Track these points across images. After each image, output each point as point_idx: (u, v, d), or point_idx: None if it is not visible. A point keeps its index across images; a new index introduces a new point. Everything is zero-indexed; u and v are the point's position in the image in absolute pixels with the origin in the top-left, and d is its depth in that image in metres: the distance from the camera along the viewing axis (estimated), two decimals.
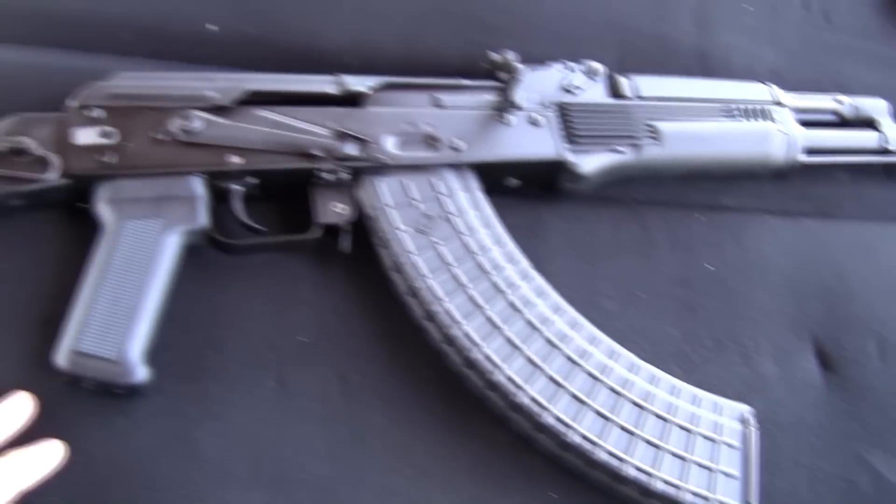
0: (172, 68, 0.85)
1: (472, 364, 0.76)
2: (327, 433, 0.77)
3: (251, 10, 0.93)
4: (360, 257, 0.82)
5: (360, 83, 0.85)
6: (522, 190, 0.88)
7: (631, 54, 1.01)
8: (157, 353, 0.74)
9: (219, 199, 0.80)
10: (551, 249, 0.88)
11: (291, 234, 0.83)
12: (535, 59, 0.89)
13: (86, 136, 0.80)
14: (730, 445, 0.76)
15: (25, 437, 0.69)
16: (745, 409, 0.79)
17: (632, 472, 0.74)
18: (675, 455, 0.74)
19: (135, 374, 0.72)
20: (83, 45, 0.91)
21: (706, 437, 0.76)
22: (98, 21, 0.92)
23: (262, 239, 0.81)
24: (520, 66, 0.86)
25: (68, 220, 0.81)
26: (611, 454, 0.74)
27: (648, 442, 0.75)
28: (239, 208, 0.81)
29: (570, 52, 0.94)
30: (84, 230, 0.78)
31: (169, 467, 0.73)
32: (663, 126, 0.91)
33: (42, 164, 0.78)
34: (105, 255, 0.76)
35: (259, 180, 0.81)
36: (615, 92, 0.92)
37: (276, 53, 0.93)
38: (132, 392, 0.73)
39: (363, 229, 0.82)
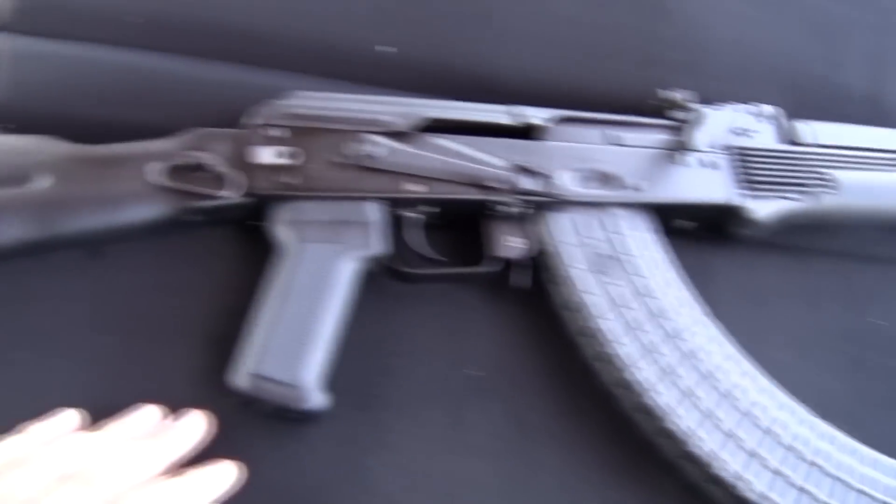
0: (345, 89, 0.84)
1: (643, 409, 0.75)
2: (499, 469, 0.76)
3: (426, 33, 0.92)
4: (534, 293, 0.82)
5: (537, 116, 0.84)
6: (693, 232, 0.86)
7: (800, 98, 0.98)
8: (332, 380, 0.74)
9: (395, 226, 0.79)
10: (719, 294, 0.85)
11: (464, 264, 0.82)
12: (704, 98, 0.88)
13: (265, 155, 0.80)
14: None
15: (201, 458, 0.70)
16: None
17: None
18: None
19: (312, 399, 0.72)
20: (256, 61, 0.91)
21: None
22: (272, 38, 0.92)
23: (439, 269, 0.81)
24: (699, 106, 0.84)
25: (240, 238, 0.82)
26: None
27: (816, 498, 0.73)
28: (415, 237, 0.81)
29: (739, 93, 0.92)
30: (255, 248, 0.79)
31: (341, 495, 0.73)
32: (841, 175, 0.88)
33: (221, 180, 0.77)
34: (284, 278, 0.76)
35: (436, 209, 0.80)
36: (791, 137, 0.90)
37: (446, 80, 0.91)
38: (307, 417, 0.72)
39: (535, 264, 0.80)
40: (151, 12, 0.90)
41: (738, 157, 0.87)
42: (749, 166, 0.87)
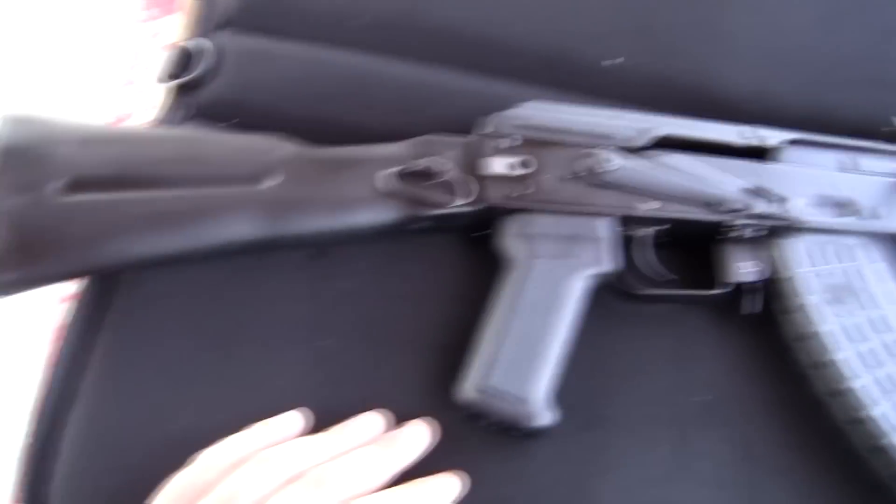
0: (570, 99, 0.84)
1: (878, 451, 0.71)
2: (726, 499, 0.74)
3: (654, 46, 0.91)
4: (763, 319, 0.80)
5: (773, 137, 0.82)
6: None
7: None
8: (560, 397, 0.73)
9: (626, 243, 0.77)
10: None
11: (695, 286, 0.80)
12: None
13: (497, 165, 0.79)
14: None
15: (420, 468, 0.71)
16: None
17: None
18: None
19: (541, 416, 0.71)
20: (484, 67, 0.90)
21: None
22: (501, 45, 0.91)
23: (670, 290, 0.79)
24: None
25: (462, 247, 0.82)
26: None
27: None
28: (644, 256, 0.79)
29: None
30: (478, 259, 0.80)
31: None
32: None
33: (452, 188, 0.77)
34: (513, 291, 0.75)
35: (665, 227, 0.78)
36: None
37: (672, 94, 0.90)
38: (534, 434, 0.72)
39: (765, 291, 0.78)
40: (378, 14, 0.91)
41: None
42: None
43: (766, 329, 0.79)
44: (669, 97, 0.90)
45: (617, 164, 0.78)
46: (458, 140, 0.80)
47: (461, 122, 0.82)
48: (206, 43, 0.89)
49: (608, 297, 0.78)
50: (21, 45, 1.56)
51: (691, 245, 0.80)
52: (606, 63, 0.89)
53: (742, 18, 0.92)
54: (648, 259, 0.78)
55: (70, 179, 0.72)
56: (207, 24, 0.93)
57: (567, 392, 0.74)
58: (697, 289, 0.79)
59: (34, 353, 0.76)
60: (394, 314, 0.79)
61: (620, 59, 0.90)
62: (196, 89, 0.89)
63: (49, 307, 0.84)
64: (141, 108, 0.90)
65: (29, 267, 0.71)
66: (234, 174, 0.76)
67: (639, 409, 0.76)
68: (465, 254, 0.82)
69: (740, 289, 0.79)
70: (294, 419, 0.71)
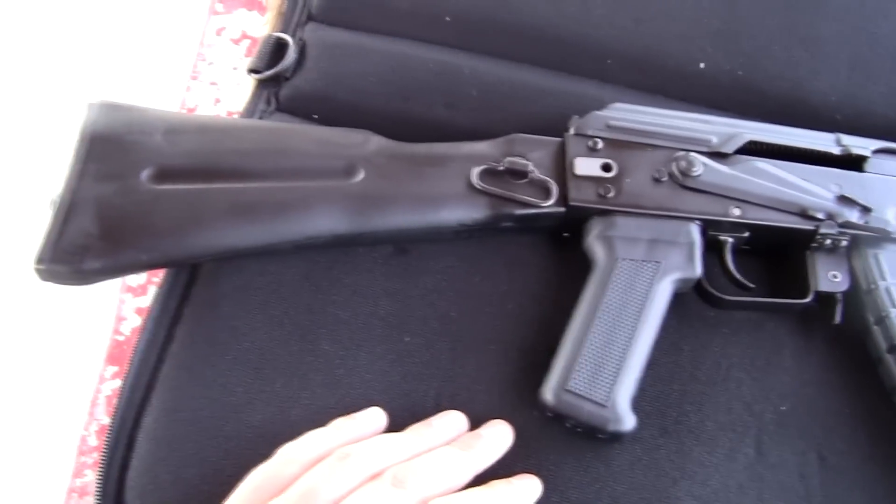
0: (655, 102, 0.84)
1: None
2: None
3: (741, 51, 0.90)
4: (843, 330, 0.79)
5: (861, 146, 0.81)
6: None
7: None
8: (638, 402, 0.73)
9: (708, 249, 0.77)
10: None
11: (775, 295, 0.79)
12: None
13: (587, 166, 0.80)
14: None
15: (500, 468, 0.71)
16: None
17: None
18: None
19: (624, 421, 0.71)
20: (569, 68, 0.91)
21: None
22: (587, 45, 0.91)
23: (754, 298, 0.78)
24: None
25: (552, 249, 0.82)
26: None
27: None
28: (730, 261, 0.79)
29: None
30: (568, 261, 0.79)
31: None
32: None
33: (539, 188, 0.78)
34: (596, 294, 0.75)
35: (751, 235, 0.78)
36: None
37: (761, 99, 0.89)
38: (615, 439, 0.72)
39: (850, 301, 0.77)
40: (469, 11, 0.91)
41: None
42: None
43: (847, 341, 0.79)
44: (756, 103, 0.89)
45: (704, 168, 0.77)
46: (546, 140, 0.80)
47: (546, 121, 0.82)
48: (290, 37, 0.90)
49: (690, 302, 0.78)
50: (91, 36, 1.58)
51: (772, 253, 0.81)
52: (695, 67, 0.90)
53: (832, 24, 0.91)
54: (732, 265, 0.78)
55: (157, 169, 0.73)
56: (292, 18, 0.93)
57: (646, 397, 0.74)
58: (780, 297, 0.78)
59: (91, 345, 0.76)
60: (476, 313, 0.80)
61: (702, 65, 0.89)
62: (280, 83, 0.90)
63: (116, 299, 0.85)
64: (205, 103, 0.90)
65: (114, 255, 0.71)
66: (322, 168, 0.76)
67: (717, 417, 0.76)
68: (551, 255, 0.81)
69: (823, 298, 0.79)
70: (376, 416, 0.72)
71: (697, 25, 0.92)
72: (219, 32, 0.97)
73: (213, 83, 0.93)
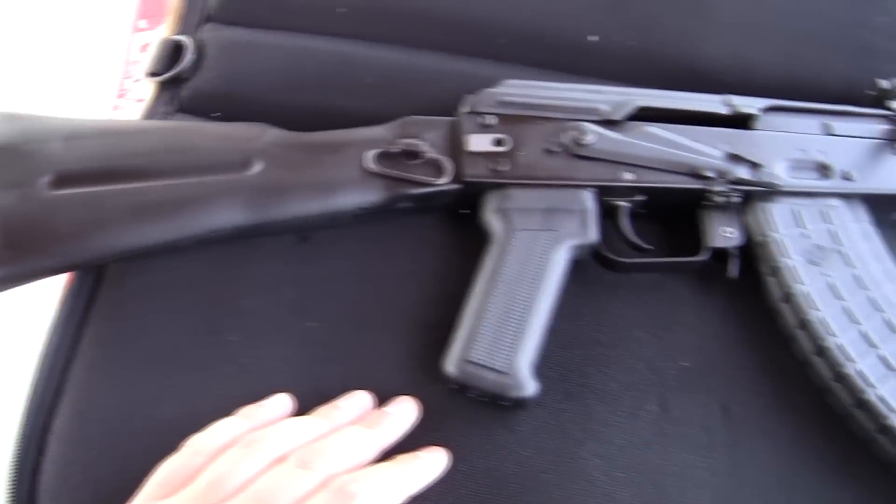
0: (550, 77, 0.85)
1: (863, 405, 0.72)
2: (708, 463, 0.75)
3: (632, 21, 0.91)
4: (743, 284, 0.80)
5: (750, 105, 0.82)
6: None
7: None
8: (541, 368, 0.74)
9: (606, 214, 0.78)
10: None
11: (675, 255, 0.81)
12: None
13: (479, 142, 0.80)
14: None
15: (408, 443, 0.71)
16: None
17: None
18: None
19: (525, 387, 0.72)
20: (463, 49, 0.91)
21: None
22: (479, 26, 0.92)
23: (650, 258, 0.79)
24: None
25: (450, 227, 0.83)
26: None
27: None
28: (626, 225, 0.80)
29: None
30: (466, 237, 0.80)
31: (552, 484, 0.73)
32: None
33: (434, 167, 0.78)
34: (495, 265, 0.76)
35: (647, 198, 0.80)
36: None
37: (654, 68, 0.91)
38: (518, 405, 0.73)
39: (748, 255, 0.79)
40: (356, 1, 0.92)
41: None
42: None
43: (747, 294, 0.81)
44: (649, 71, 0.91)
45: (595, 136, 0.79)
46: (440, 120, 0.80)
47: (443, 103, 0.83)
48: (188, 38, 0.90)
49: (590, 267, 0.80)
50: (14, 53, 1.57)
51: (670, 214, 0.82)
52: (586, 40, 0.91)
53: None
54: (628, 229, 0.79)
55: (56, 175, 0.73)
56: (190, 19, 0.94)
57: (550, 363, 0.76)
58: (677, 256, 0.79)
59: (26, 349, 0.77)
60: (379, 294, 0.81)
61: (596, 38, 0.90)
62: (180, 84, 0.91)
63: (39, 302, 0.85)
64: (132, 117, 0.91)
65: (18, 263, 0.72)
66: (220, 162, 0.77)
67: (620, 378, 0.78)
68: (449, 232, 0.82)
69: (721, 255, 0.80)
70: (282, 401, 0.73)
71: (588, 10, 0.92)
72: (143, 49, 0.97)
73: (140, 100, 0.94)
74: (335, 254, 0.81)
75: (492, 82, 0.81)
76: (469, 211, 0.78)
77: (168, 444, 0.66)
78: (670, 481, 0.74)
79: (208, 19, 0.93)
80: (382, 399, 0.73)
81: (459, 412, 0.74)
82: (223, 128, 0.81)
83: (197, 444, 0.66)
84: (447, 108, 0.81)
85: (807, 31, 0.94)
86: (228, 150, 0.77)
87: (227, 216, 0.76)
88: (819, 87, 0.90)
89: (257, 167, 0.77)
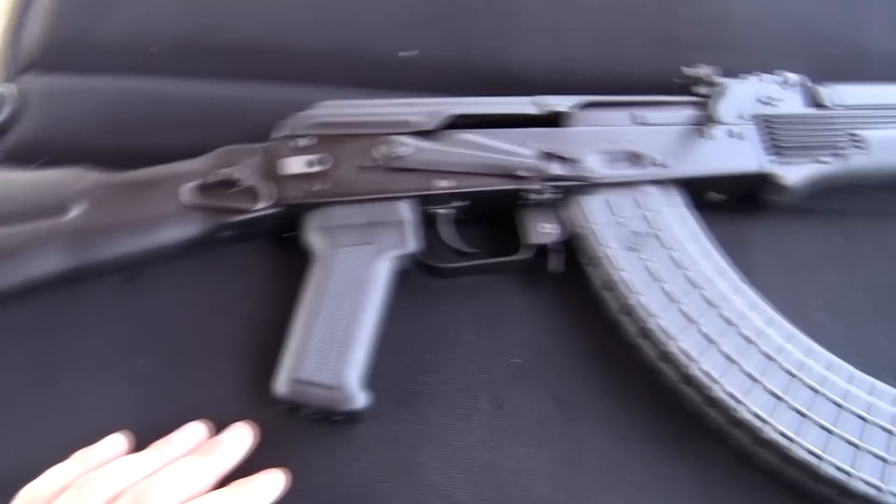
0: (370, 95, 0.85)
1: (689, 380, 0.75)
2: (545, 454, 0.76)
3: (443, 35, 0.94)
4: (569, 277, 0.82)
5: (560, 103, 0.85)
6: (725, 204, 0.86)
7: (822, 63, 0.98)
8: (373, 379, 0.75)
9: (427, 223, 0.80)
10: (756, 263, 0.86)
11: (500, 256, 0.82)
12: (727, 72, 0.88)
13: (294, 165, 0.81)
14: None
15: (247, 467, 0.71)
16: None
17: (860, 486, 0.71)
18: None
19: (355, 400, 0.73)
20: (279, 75, 0.93)
21: None
22: (294, 52, 0.94)
23: (470, 261, 0.81)
24: (723, 80, 0.85)
25: (277, 251, 0.83)
26: (837, 468, 0.72)
27: (873, 454, 0.72)
28: (447, 232, 0.81)
29: (761, 64, 0.92)
30: (293, 260, 0.80)
31: (392, 493, 0.74)
32: (868, 134, 0.88)
33: (252, 194, 0.79)
34: (319, 283, 0.77)
35: (466, 203, 0.81)
36: (814, 102, 0.89)
37: (470, 76, 0.93)
38: (352, 418, 0.73)
39: (571, 249, 0.81)
40: (174, 38, 0.93)
41: (765, 125, 0.87)
42: (777, 134, 0.87)
43: (572, 287, 0.83)
44: (467, 80, 0.94)
45: (410, 148, 0.80)
46: (254, 147, 0.81)
47: (261, 131, 0.83)
48: (9, 87, 0.90)
49: (417, 275, 0.82)
50: None
51: (492, 216, 0.84)
52: (403, 55, 0.92)
53: None
54: (451, 235, 0.81)
55: None
56: (12, 68, 0.94)
57: (384, 373, 0.77)
58: (500, 257, 0.81)
59: None
60: (209, 324, 0.80)
61: (415, 52, 0.93)
62: (3, 134, 0.90)
63: None
64: None
65: None
66: (37, 209, 0.76)
67: (455, 380, 0.79)
68: (276, 255, 0.84)
69: (545, 251, 0.81)
70: (115, 441, 0.71)
71: (404, 15, 0.96)
72: None
73: None
74: (164, 288, 0.81)
75: (311, 105, 0.82)
76: (294, 233, 0.79)
77: (3, 498, 0.65)
78: (508, 476, 0.75)
79: (29, 67, 0.94)
80: (221, 427, 0.73)
81: (296, 431, 0.75)
82: (41, 175, 0.80)
83: (29, 494, 0.65)
84: (267, 135, 0.82)
85: (615, 27, 0.97)
86: (44, 197, 0.77)
87: (47, 262, 0.75)
88: (632, 80, 0.93)
89: (76, 210, 0.76)
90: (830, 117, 0.88)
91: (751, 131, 0.88)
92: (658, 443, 0.77)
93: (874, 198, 0.91)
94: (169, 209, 0.78)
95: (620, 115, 0.87)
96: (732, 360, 0.75)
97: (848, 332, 0.83)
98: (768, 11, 1.00)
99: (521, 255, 0.81)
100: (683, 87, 0.87)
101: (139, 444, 0.70)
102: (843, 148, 0.88)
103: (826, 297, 0.85)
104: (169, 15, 0.93)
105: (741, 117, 0.87)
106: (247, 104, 0.90)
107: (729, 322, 0.77)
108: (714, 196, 0.86)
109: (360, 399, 0.73)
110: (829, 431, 0.72)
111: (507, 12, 0.95)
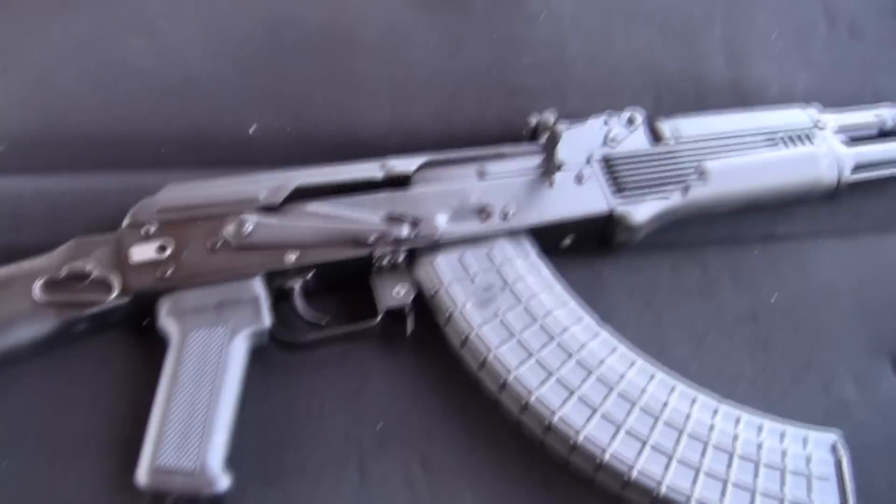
0: (218, 174, 0.86)
1: (551, 430, 0.75)
2: None
3: (287, 107, 0.96)
4: (429, 337, 0.82)
5: (403, 165, 0.86)
6: (578, 247, 0.88)
7: (666, 96, 1.02)
8: (236, 460, 0.74)
9: (280, 297, 0.80)
10: (614, 303, 0.88)
11: (353, 323, 0.82)
12: (574, 115, 0.91)
13: (142, 252, 0.81)
14: (822, 478, 0.74)
15: None
16: (832, 436, 0.76)
17: None
18: (768, 497, 0.72)
19: (217, 483, 0.72)
20: (128, 163, 0.94)
21: (797, 474, 0.74)
22: (140, 139, 0.95)
23: (324, 332, 0.81)
24: (558, 126, 0.86)
25: (137, 340, 0.83)
26: None
27: (739, 486, 0.73)
28: (299, 304, 0.81)
29: (607, 104, 0.95)
30: (153, 347, 0.79)
31: None
32: (708, 164, 0.91)
33: (102, 285, 0.79)
34: (174, 368, 0.77)
35: (317, 274, 0.81)
36: (656, 137, 0.91)
37: (316, 146, 0.94)
38: (217, 502, 0.72)
39: (424, 308, 0.81)
40: (17, 137, 0.94)
41: (608, 166, 0.90)
42: (620, 173, 0.89)
43: (434, 347, 0.83)
44: (313, 150, 0.95)
45: (254, 225, 0.80)
46: (103, 238, 0.81)
47: (113, 220, 0.83)
48: None
49: (274, 351, 0.82)
50: None
51: (348, 284, 0.84)
52: (246, 133, 0.93)
53: (367, 60, 1.01)
54: (302, 307, 0.82)
55: None
56: None
57: (246, 452, 0.77)
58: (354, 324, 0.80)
59: None
60: (71, 420, 0.80)
61: (255, 127, 0.93)
62: None
63: None
64: None
65: None
66: None
67: (319, 452, 0.79)
68: (136, 345, 0.83)
69: (400, 314, 0.82)
70: None
71: (242, 94, 0.97)
72: None
73: None
74: (19, 389, 0.81)
75: (157, 191, 0.82)
76: (149, 320, 0.79)
77: None
78: None
79: None
80: None
81: None
82: None
83: None
84: (119, 223, 0.82)
85: (457, 83, 1.01)
86: None
87: None
88: (480, 133, 0.96)
89: None
90: (671, 152, 0.92)
91: (596, 173, 0.90)
92: (527, 493, 0.79)
93: (725, 225, 0.96)
94: (21, 309, 0.77)
95: (464, 170, 0.88)
96: (593, 408, 0.77)
97: (709, 362, 0.86)
98: (608, 52, 1.05)
99: (370, 322, 0.81)
100: (531, 135, 0.90)
101: None
102: (685, 180, 0.91)
103: (685, 330, 0.88)
104: (11, 113, 0.95)
105: (581, 160, 0.90)
106: (98, 194, 0.89)
107: (585, 367, 0.79)
108: (566, 241, 0.88)
109: (222, 482, 0.72)
110: (695, 469, 0.75)
111: (348, 79, 0.98)
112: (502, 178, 0.87)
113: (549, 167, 0.85)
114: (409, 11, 1.00)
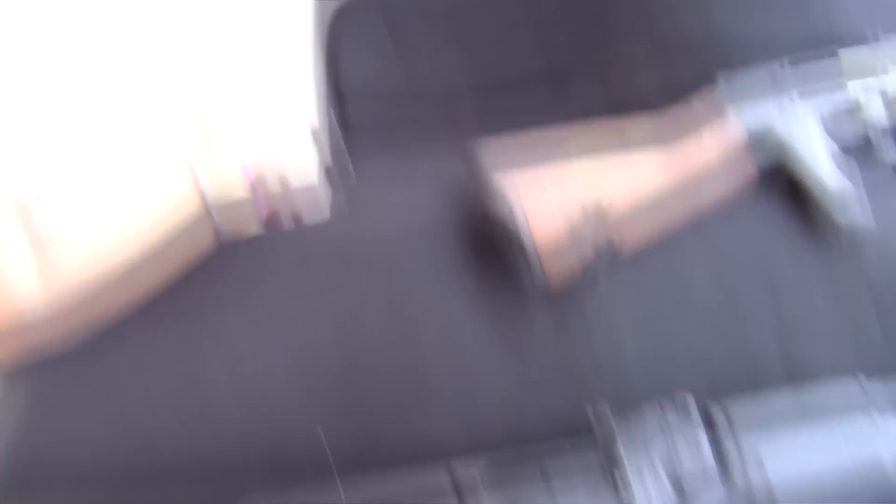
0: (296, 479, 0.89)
1: None
2: None
3: (355, 412, 1.01)
4: None
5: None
6: None
7: (719, 379, 1.01)
8: None
9: None
10: None
11: None
12: (629, 404, 0.91)
13: None
14: None
15: None
16: None
17: None
18: None
19: None
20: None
21: None
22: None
23: None
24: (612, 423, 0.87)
25: None
26: None
27: None
28: None
29: (662, 389, 0.94)
30: None
31: None
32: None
33: None
34: None
35: None
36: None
37: (378, 452, 0.98)
38: None
39: None
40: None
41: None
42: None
43: None
44: (376, 456, 0.95)
45: None
46: None
47: None
48: None
49: None
50: None
51: None
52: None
53: (438, 374, 1.01)
54: None
55: None
56: None
57: None
58: None
59: None
60: None
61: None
62: None
63: None
64: None
65: None
66: None
67: None
68: None
69: None
70: None
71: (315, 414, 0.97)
72: None
73: None
74: None
75: None
76: None
77: None
78: None
79: None
80: None
81: None
82: None
83: None
84: None
85: (522, 387, 1.03)
86: None
87: None
88: (544, 428, 0.95)
89: None
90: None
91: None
92: None
93: None
94: None
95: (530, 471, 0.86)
96: None
97: None
98: (657, 342, 1.08)
99: None
100: (589, 428, 0.89)
101: None
102: None
103: None
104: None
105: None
106: None
107: None
108: None
109: None
110: None
111: (415, 389, 0.99)
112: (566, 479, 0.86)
113: (611, 466, 0.86)
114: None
